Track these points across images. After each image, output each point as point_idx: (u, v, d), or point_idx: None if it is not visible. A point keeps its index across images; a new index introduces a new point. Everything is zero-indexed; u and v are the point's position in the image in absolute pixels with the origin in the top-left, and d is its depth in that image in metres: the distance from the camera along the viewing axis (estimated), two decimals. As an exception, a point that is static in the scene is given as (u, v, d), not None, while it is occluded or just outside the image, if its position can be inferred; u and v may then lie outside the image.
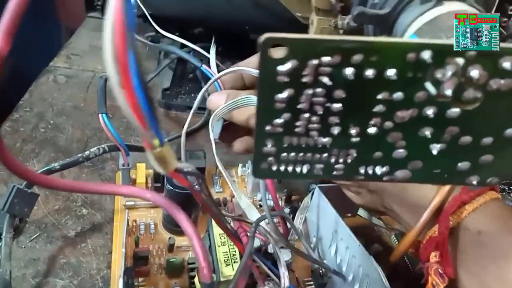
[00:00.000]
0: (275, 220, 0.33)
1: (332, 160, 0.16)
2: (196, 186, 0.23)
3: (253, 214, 0.28)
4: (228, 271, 0.25)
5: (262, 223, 0.26)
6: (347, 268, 0.27)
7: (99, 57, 0.52)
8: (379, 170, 0.17)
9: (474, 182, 0.17)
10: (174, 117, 0.46)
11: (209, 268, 0.18)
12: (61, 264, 0.29)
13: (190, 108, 0.43)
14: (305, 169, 0.16)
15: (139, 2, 0.47)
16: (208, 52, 0.48)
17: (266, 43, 0.13)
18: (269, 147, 0.16)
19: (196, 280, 0.27)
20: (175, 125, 0.44)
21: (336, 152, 0.16)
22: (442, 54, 0.13)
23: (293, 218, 0.32)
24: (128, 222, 0.30)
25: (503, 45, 0.13)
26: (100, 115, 0.31)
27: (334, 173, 0.17)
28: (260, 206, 0.35)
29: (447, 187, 0.24)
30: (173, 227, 0.31)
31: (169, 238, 0.30)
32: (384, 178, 0.17)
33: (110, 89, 0.40)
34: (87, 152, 0.30)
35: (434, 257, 0.24)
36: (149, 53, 0.54)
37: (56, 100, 0.44)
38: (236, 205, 0.34)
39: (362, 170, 0.17)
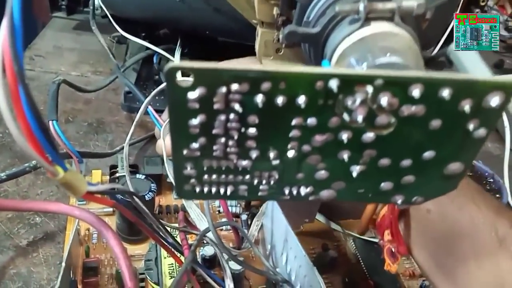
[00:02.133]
0: (229, 228, 0.33)
1: (255, 182, 0.16)
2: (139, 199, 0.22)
3: (203, 225, 0.28)
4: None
5: (210, 234, 0.26)
6: (295, 277, 0.27)
7: (63, 59, 0.52)
8: (303, 190, 0.17)
9: (399, 202, 0.17)
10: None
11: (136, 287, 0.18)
12: (10, 275, 0.29)
13: (155, 111, 0.43)
14: (229, 190, 0.16)
15: (101, 4, 0.46)
16: (173, 55, 0.48)
17: (171, 72, 0.13)
18: (189, 170, 0.16)
19: None
20: (138, 128, 0.44)
21: (258, 174, 0.16)
22: (350, 82, 0.13)
23: (251, 224, 0.33)
24: (79, 232, 0.30)
25: (409, 74, 0.13)
26: (50, 122, 0.31)
27: (260, 194, 0.17)
28: (219, 212, 0.36)
29: None
30: (127, 235, 0.31)
31: (121, 247, 0.30)
32: (310, 198, 0.17)
33: (67, 93, 0.39)
34: (34, 162, 0.29)
35: (387, 235, 0.25)
36: (115, 53, 0.53)
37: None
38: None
39: (286, 191, 0.17)
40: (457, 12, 0.50)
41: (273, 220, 0.31)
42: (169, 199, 0.35)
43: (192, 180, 0.16)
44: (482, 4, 0.59)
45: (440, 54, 0.18)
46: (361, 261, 0.34)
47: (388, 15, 0.17)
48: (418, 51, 0.17)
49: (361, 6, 0.17)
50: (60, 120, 0.42)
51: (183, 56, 0.48)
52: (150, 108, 0.36)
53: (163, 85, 0.36)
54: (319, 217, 0.37)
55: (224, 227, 0.33)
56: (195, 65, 0.13)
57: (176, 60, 0.46)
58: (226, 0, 0.29)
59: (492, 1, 0.75)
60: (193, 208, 0.29)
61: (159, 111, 0.43)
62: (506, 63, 0.67)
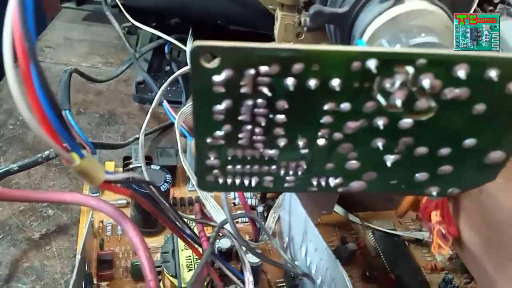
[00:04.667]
0: (246, 220, 0.32)
1: (282, 172, 0.15)
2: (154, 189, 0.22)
3: (219, 217, 0.27)
4: (190, 277, 0.24)
5: (227, 226, 0.25)
6: (316, 270, 0.27)
7: (73, 50, 0.51)
8: (332, 181, 0.16)
9: (434, 193, 0.16)
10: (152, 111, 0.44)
11: (156, 281, 0.17)
12: (24, 268, 0.29)
13: (167, 102, 0.42)
14: (253, 181, 0.16)
15: (112, -7, 0.45)
16: (185, 44, 0.47)
17: (196, 52, 0.12)
18: (212, 159, 0.15)
19: (161, 284, 0.27)
20: (150, 119, 0.43)
21: (285, 164, 0.15)
22: (389, 62, 0.12)
23: (267, 217, 0.32)
24: (93, 224, 0.29)
25: (455, 52, 0.12)
26: (63, 111, 0.30)
27: (286, 185, 0.16)
28: (235, 204, 0.35)
29: None
30: (141, 228, 0.30)
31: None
32: (339, 190, 0.16)
33: (78, 85, 0.39)
34: (47, 152, 0.28)
35: (435, 216, 0.23)
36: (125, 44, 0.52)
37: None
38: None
39: (314, 182, 0.16)
40: (473, 9, 0.48)
41: (291, 212, 0.30)
42: (183, 191, 0.35)
43: (215, 171, 0.15)
44: (496, 1, 0.57)
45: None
46: (381, 254, 0.33)
47: (423, -7, 0.16)
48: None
49: (394, -17, 0.16)
50: (72, 112, 0.41)
51: (195, 46, 0.47)
52: (165, 103, 0.35)
53: (176, 74, 0.35)
54: (337, 209, 0.35)
55: (239, 219, 0.32)
56: (222, 44, 0.12)
57: (188, 49, 0.45)
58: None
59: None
60: (209, 200, 0.28)
61: (171, 102, 0.43)
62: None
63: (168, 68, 0.48)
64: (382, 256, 0.33)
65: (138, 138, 0.36)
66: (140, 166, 0.26)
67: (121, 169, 0.34)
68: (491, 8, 0.67)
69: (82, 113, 0.42)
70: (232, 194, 0.35)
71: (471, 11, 0.26)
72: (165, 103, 0.34)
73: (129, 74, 0.46)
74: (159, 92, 0.28)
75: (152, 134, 0.40)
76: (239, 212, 0.33)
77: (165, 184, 0.28)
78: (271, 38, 0.28)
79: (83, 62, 0.49)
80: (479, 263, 0.23)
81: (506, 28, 0.14)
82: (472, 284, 0.31)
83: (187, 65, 0.45)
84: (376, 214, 0.36)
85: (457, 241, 0.24)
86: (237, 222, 0.32)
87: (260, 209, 0.33)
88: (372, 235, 0.34)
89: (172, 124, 0.41)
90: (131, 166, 0.31)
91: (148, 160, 0.33)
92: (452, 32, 0.16)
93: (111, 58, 0.50)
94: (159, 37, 0.47)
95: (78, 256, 0.23)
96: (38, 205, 0.33)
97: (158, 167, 0.30)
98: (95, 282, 0.27)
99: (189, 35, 0.48)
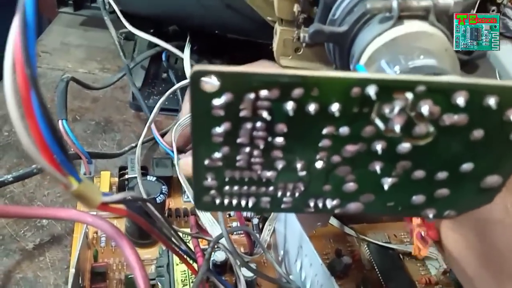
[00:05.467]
0: (241, 232, 0.32)
1: (279, 194, 0.15)
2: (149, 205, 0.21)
3: (214, 230, 0.27)
4: (185, 292, 0.24)
5: (223, 240, 0.25)
6: (310, 286, 0.26)
7: (70, 55, 0.50)
8: (329, 203, 0.16)
9: (430, 216, 0.16)
10: (146, 119, 0.44)
11: None
12: (16, 280, 0.28)
13: (163, 109, 0.42)
14: (250, 202, 0.15)
15: (110, 0, 0.45)
16: (183, 51, 0.47)
17: (196, 76, 0.12)
18: (209, 180, 0.15)
19: None
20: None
21: (282, 186, 0.15)
22: (389, 89, 0.12)
23: (263, 228, 0.32)
24: (87, 235, 0.29)
25: (454, 80, 0.12)
26: (59, 121, 0.30)
27: (283, 206, 0.16)
28: (230, 216, 0.35)
29: None
30: (136, 239, 0.30)
31: (130, 251, 0.29)
32: (336, 211, 0.16)
33: (74, 91, 0.38)
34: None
35: (416, 219, 0.23)
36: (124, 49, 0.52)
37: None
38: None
39: (311, 203, 0.16)
40: (475, 10, 0.48)
41: (287, 225, 0.30)
42: (179, 202, 0.34)
43: (212, 192, 0.15)
44: (499, 1, 0.58)
45: (476, 56, 0.17)
46: (375, 267, 0.33)
47: (423, 14, 0.16)
48: (454, 53, 0.16)
49: (394, 3, 0.16)
50: (68, 119, 0.41)
51: (192, 53, 0.47)
52: (155, 132, 0.35)
53: (173, 89, 0.35)
54: (332, 221, 0.35)
55: (235, 232, 0.32)
56: (222, 69, 0.11)
57: (185, 57, 0.45)
58: (242, -2, 0.28)
59: (506, -1, 0.74)
60: (204, 213, 0.28)
61: (168, 110, 0.42)
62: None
63: (165, 75, 0.48)
64: (376, 270, 0.33)
65: (134, 147, 0.36)
66: (135, 177, 0.26)
67: (116, 180, 0.34)
68: (493, 8, 0.67)
69: (78, 120, 0.42)
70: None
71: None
72: (157, 135, 0.34)
73: (126, 81, 0.46)
74: (154, 111, 0.29)
75: (148, 143, 0.40)
76: (234, 224, 0.33)
77: (161, 195, 0.28)
78: (268, 46, 0.28)
79: (79, 68, 0.49)
80: (461, 264, 0.23)
81: (504, 53, 0.14)
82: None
83: (184, 72, 0.45)
84: (371, 226, 0.36)
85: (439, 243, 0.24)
86: (232, 234, 0.32)
87: (255, 221, 0.33)
88: (367, 248, 0.34)
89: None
90: (126, 176, 0.31)
91: (144, 171, 0.33)
92: (451, 55, 0.16)
93: (108, 64, 0.50)
94: (156, 44, 0.46)
95: (72, 270, 0.23)
96: (32, 214, 0.32)
97: (154, 178, 0.30)
98: None
99: (187, 42, 0.48)
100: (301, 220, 0.27)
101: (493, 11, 0.65)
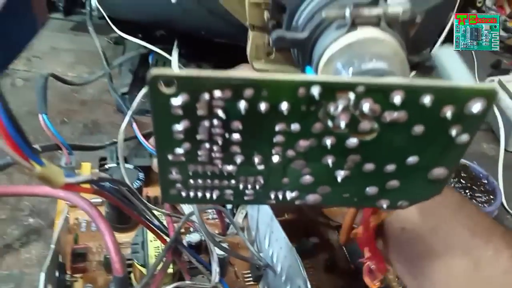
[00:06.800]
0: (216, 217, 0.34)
1: (241, 186, 0.16)
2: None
3: (187, 210, 0.28)
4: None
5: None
6: (277, 260, 0.28)
7: (59, 60, 0.52)
8: (289, 195, 0.17)
9: (384, 206, 0.17)
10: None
11: (121, 263, 0.18)
12: (3, 276, 0.29)
13: (149, 111, 0.43)
14: (214, 195, 0.17)
15: (98, 5, 0.46)
16: (170, 54, 0.48)
17: (154, 80, 0.13)
18: (174, 174, 0.16)
19: (132, 275, 0.28)
20: (130, 127, 0.44)
21: (243, 179, 0.16)
22: (331, 89, 0.13)
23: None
24: (68, 220, 0.31)
25: (390, 81, 0.13)
26: (40, 115, 0.31)
27: (246, 198, 0.17)
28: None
29: None
30: (116, 224, 0.31)
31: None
32: (296, 202, 0.17)
33: (62, 94, 0.39)
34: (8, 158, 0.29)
35: (366, 252, 0.24)
36: (113, 53, 0.53)
37: (11, 105, 0.43)
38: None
39: (272, 195, 0.17)
40: (455, 13, 0.50)
41: (259, 209, 0.32)
42: (157, 190, 0.36)
43: (178, 185, 0.16)
44: (479, 5, 0.59)
45: (424, 58, 0.18)
46: (343, 247, 0.34)
47: (375, 21, 0.17)
48: (404, 57, 0.17)
49: (347, 12, 0.17)
50: (55, 121, 0.42)
51: (180, 57, 0.48)
52: (136, 131, 0.36)
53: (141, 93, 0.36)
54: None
55: (210, 216, 0.34)
56: (177, 73, 0.13)
57: (173, 60, 0.46)
58: (219, 3, 0.29)
59: (490, 1, 0.76)
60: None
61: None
62: (503, 64, 0.67)
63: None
64: (344, 249, 0.34)
65: (115, 142, 0.38)
66: (115, 166, 0.27)
67: (97, 170, 0.35)
68: (473, 11, 0.68)
69: (66, 122, 0.43)
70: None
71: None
72: (134, 125, 0.36)
73: (114, 84, 0.47)
74: (130, 111, 0.30)
75: (131, 141, 0.41)
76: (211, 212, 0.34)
77: (138, 181, 0.30)
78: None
79: (68, 72, 0.50)
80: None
81: (443, 55, 0.15)
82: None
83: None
84: (341, 211, 0.37)
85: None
86: (208, 218, 0.34)
87: (229, 206, 0.35)
88: (336, 230, 0.36)
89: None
90: (106, 166, 0.33)
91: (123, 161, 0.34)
92: (400, 58, 0.17)
93: (96, 68, 0.51)
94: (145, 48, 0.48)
95: (52, 246, 0.24)
96: (19, 214, 0.33)
97: (132, 166, 0.31)
98: (68, 273, 0.28)
99: (174, 46, 0.50)
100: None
101: (474, 13, 0.67)
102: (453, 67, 0.15)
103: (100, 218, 0.19)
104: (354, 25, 0.17)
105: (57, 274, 0.26)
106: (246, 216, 0.33)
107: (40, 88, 0.32)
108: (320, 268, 0.33)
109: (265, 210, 0.30)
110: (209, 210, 0.35)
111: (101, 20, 0.50)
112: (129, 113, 0.31)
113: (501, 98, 0.51)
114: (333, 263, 0.33)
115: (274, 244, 0.28)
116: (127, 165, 0.31)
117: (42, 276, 0.23)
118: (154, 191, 0.35)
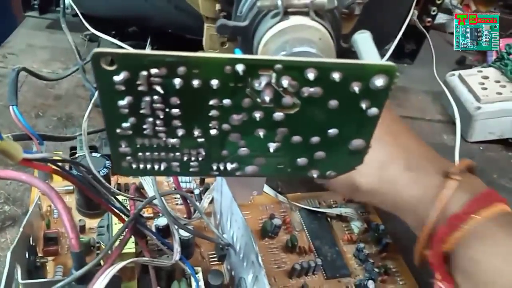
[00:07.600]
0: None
1: (185, 158, 0.18)
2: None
3: (151, 193, 0.30)
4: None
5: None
6: (236, 239, 0.30)
7: (35, 56, 0.53)
8: (229, 166, 0.19)
9: (315, 175, 0.20)
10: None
11: (77, 239, 0.20)
12: (-22, 259, 0.31)
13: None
14: (162, 166, 0.19)
15: (72, 3, 0.48)
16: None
17: (96, 57, 0.15)
18: (123, 147, 0.18)
19: None
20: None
21: (187, 151, 0.18)
22: (254, 67, 0.15)
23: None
24: (40, 207, 0.32)
25: (304, 59, 0.16)
26: (10, 107, 0.32)
27: (191, 169, 0.19)
28: (175, 189, 0.37)
29: (441, 203, 0.27)
30: (86, 210, 0.33)
31: (80, 220, 0.33)
32: (237, 173, 0.19)
33: (38, 89, 0.41)
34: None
35: (438, 275, 0.27)
36: (87, 50, 0.55)
37: (-13, 99, 0.45)
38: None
39: (214, 167, 0.19)
40: (412, 9, 0.52)
41: (222, 193, 0.33)
42: (127, 178, 0.37)
43: (128, 157, 0.18)
44: (438, 2, 0.62)
45: (351, 45, 0.20)
46: (305, 228, 0.37)
47: (305, 10, 0.19)
48: (331, 42, 0.20)
49: (279, 2, 0.19)
50: (30, 115, 0.44)
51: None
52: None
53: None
54: (268, 191, 0.39)
55: (179, 202, 0.36)
56: (116, 50, 0.15)
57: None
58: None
59: (456, 0, 0.79)
60: (147, 181, 0.31)
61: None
62: (468, 60, 0.70)
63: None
64: (305, 230, 0.37)
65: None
66: (83, 155, 0.29)
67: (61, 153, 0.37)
68: (434, 8, 0.71)
69: (41, 116, 0.44)
70: (171, 178, 0.38)
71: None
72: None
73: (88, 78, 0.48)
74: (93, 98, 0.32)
75: (102, 133, 0.42)
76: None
77: (104, 169, 0.31)
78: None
79: (44, 68, 0.51)
80: None
81: (359, 39, 0.18)
82: (383, 255, 0.35)
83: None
84: (304, 195, 0.40)
85: None
86: (177, 204, 0.36)
87: (197, 191, 0.37)
88: (299, 213, 0.38)
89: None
90: (76, 155, 0.34)
91: (93, 150, 0.35)
92: (325, 43, 0.19)
93: (71, 64, 0.53)
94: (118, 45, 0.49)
95: (21, 229, 0.26)
96: (-5, 201, 0.35)
97: (98, 155, 0.32)
98: (40, 255, 0.30)
99: (148, 43, 0.52)
100: (236, 188, 0.31)
101: (433, 11, 0.70)
102: (365, 50, 0.17)
103: (58, 199, 0.20)
104: (286, 14, 0.19)
105: (27, 255, 0.28)
106: (212, 201, 0.35)
107: (11, 81, 0.33)
108: (280, 249, 0.35)
109: (226, 194, 0.31)
110: (177, 195, 0.37)
111: (75, 17, 0.52)
112: (92, 100, 0.32)
113: (456, 89, 0.54)
114: (293, 243, 0.35)
115: (234, 224, 0.30)
116: (95, 154, 0.33)
117: (8, 255, 0.24)
118: (124, 178, 0.37)
